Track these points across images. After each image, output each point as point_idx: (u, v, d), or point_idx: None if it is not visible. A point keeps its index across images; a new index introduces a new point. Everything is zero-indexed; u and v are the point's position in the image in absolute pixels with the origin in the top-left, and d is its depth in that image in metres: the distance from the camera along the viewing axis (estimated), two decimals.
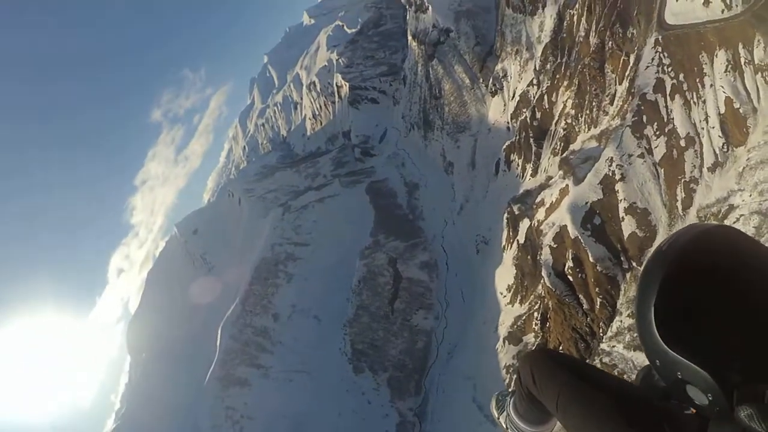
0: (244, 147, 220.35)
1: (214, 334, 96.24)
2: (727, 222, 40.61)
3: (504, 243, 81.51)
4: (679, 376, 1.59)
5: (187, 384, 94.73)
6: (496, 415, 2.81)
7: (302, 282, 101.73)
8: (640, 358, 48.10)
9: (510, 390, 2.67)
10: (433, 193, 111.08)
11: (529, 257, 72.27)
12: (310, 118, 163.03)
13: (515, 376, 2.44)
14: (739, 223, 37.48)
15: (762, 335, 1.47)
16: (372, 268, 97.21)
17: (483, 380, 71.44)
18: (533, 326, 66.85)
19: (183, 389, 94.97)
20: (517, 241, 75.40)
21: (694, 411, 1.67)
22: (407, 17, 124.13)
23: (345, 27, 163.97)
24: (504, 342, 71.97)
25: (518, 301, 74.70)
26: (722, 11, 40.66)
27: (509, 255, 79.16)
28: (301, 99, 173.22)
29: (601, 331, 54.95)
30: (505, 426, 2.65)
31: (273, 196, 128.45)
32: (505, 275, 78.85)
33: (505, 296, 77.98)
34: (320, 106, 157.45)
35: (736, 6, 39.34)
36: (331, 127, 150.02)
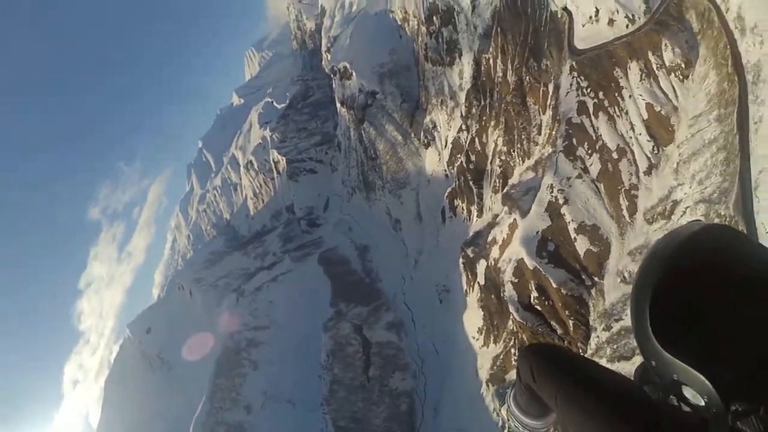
0: (188, 235, 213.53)
1: None
2: (674, 216, 41.46)
3: (465, 287, 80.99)
4: (675, 378, 1.59)
5: None
6: (498, 407, 2.76)
7: (269, 367, 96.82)
8: (626, 369, 47.09)
9: (511, 383, 2.60)
10: (386, 253, 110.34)
11: (493, 296, 71.68)
12: (251, 198, 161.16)
13: (515, 371, 2.39)
14: (687, 214, 38.19)
15: (755, 335, 1.47)
16: (338, 340, 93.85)
17: (474, 428, 68.41)
18: (513, 363, 65.33)
19: None
20: (478, 283, 75.10)
21: (691, 410, 1.65)
22: (333, 85, 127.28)
23: (274, 103, 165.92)
24: (487, 385, 69.87)
25: (492, 342, 73.32)
26: (627, 26, 43.36)
27: (473, 298, 78.49)
28: (240, 179, 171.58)
29: (580, 351, 54.05)
30: (506, 418, 2.60)
31: (224, 282, 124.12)
32: (473, 319, 77.74)
33: (477, 339, 76.51)
34: (260, 184, 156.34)
35: (639, 18, 42.04)
36: (274, 203, 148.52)
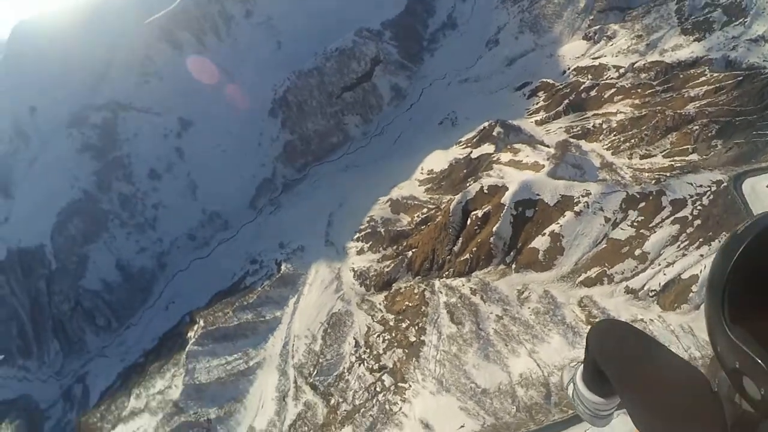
0: None
1: None
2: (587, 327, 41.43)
3: (463, 140, 76.99)
4: (737, 366, 1.48)
5: None
6: (565, 384, 2.75)
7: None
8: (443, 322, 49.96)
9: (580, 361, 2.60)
10: (461, 46, 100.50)
11: (464, 171, 69.79)
12: None
13: (585, 344, 2.40)
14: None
15: None
16: (354, 49, 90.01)
17: (351, 202, 72.06)
18: (414, 215, 66.61)
19: None
20: (471, 152, 71.89)
21: (750, 406, 1.55)
22: None
23: None
24: (388, 201, 71.43)
25: (426, 189, 72.97)
26: None
27: (454, 152, 75.55)
28: None
29: (446, 274, 56.24)
30: (570, 396, 2.61)
31: None
32: (437, 162, 75.75)
33: (422, 173, 75.67)
34: None
35: None
36: None
